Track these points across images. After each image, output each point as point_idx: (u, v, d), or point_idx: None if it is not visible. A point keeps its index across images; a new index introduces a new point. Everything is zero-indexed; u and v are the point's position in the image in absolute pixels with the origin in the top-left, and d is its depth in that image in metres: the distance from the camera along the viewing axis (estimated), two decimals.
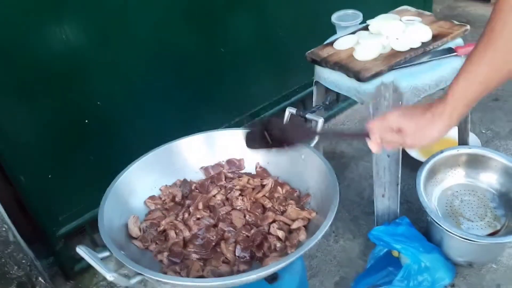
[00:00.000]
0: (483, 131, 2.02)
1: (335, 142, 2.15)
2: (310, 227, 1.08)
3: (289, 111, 1.25)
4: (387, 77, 1.32)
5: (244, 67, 1.81)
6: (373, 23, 1.49)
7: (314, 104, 1.57)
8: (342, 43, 1.45)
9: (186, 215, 1.16)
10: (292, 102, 2.09)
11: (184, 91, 1.68)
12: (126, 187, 1.15)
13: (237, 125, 1.90)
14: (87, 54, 1.41)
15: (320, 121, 1.18)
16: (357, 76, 1.32)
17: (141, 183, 1.19)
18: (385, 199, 1.53)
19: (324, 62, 1.41)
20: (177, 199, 1.20)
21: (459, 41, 1.43)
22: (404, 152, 1.90)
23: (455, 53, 1.35)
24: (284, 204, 1.14)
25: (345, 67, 1.36)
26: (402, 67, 1.34)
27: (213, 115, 1.80)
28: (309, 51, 1.47)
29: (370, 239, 1.47)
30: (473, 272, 1.48)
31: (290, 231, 1.09)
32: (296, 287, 1.16)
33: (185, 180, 1.24)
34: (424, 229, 1.58)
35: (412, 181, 1.82)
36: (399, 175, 1.46)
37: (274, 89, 2.02)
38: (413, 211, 1.73)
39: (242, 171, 1.28)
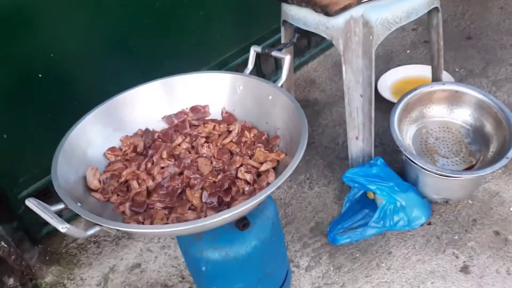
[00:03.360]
0: (457, 70, 1.98)
1: (307, 89, 2.09)
2: (279, 169, 1.03)
3: (254, 49, 1.18)
4: (356, 11, 1.25)
5: (207, 11, 1.70)
6: None
7: (283, 40, 1.50)
8: None
9: (149, 164, 1.09)
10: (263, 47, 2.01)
11: (143, 40, 1.58)
12: (82, 138, 1.07)
13: None
14: (34, 3, 1.29)
15: (287, 58, 1.11)
16: (325, 10, 1.24)
17: (99, 134, 1.11)
18: (359, 141, 1.48)
19: None
20: (139, 150, 1.13)
21: None
22: (377, 94, 1.86)
23: None
24: (252, 148, 1.09)
25: (312, 1, 1.28)
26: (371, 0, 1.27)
27: (177, 66, 1.71)
28: None
29: (344, 182, 1.44)
30: (449, 209, 1.46)
31: (258, 174, 1.03)
32: (269, 232, 1.13)
33: (147, 130, 1.17)
34: (400, 169, 1.55)
35: (386, 123, 1.78)
36: (373, 115, 1.42)
37: (241, 35, 1.93)
38: (388, 153, 1.70)
39: (208, 118, 1.21)
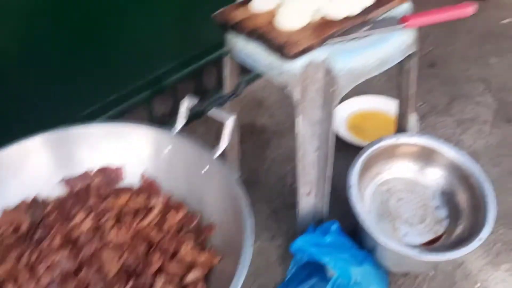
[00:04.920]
0: (419, 104, 1.79)
1: (254, 112, 1.83)
2: (212, 280, 0.78)
3: (187, 102, 0.91)
4: (318, 54, 1.01)
5: (137, 15, 1.39)
6: None
7: (226, 84, 1.23)
8: (261, 3, 1.10)
9: (35, 256, 0.81)
10: (205, 63, 1.73)
11: (53, 51, 1.24)
12: None
13: (131, 94, 1.52)
14: None
15: (230, 121, 0.85)
16: (281, 51, 0.99)
17: None
18: (310, 198, 1.26)
19: (238, 28, 1.06)
20: (22, 230, 0.84)
21: (406, 7, 1.13)
22: None
23: (403, 25, 1.05)
24: (177, 239, 0.82)
25: (265, 37, 1.02)
26: (336, 41, 1.02)
27: (95, 85, 1.39)
28: (217, 12, 1.11)
29: (292, 252, 1.21)
30: (408, 280, 1.27)
31: (183, 285, 0.78)
32: None
33: (35, 200, 0.88)
34: (354, 226, 1.34)
35: (340, 163, 1.56)
36: (329, 173, 1.19)
37: (181, 47, 1.63)
38: (340, 201, 1.48)
39: (122, 184, 0.93)
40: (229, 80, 1.27)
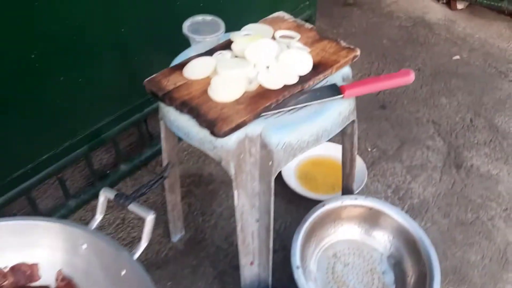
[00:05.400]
0: (369, 149, 1.77)
1: (202, 160, 1.76)
2: None
3: (104, 195, 0.83)
4: (252, 129, 0.95)
5: (72, 70, 1.31)
6: (237, 39, 1.08)
7: (163, 146, 1.16)
8: (195, 69, 1.04)
9: None
10: (149, 111, 1.65)
11: None
12: None
13: (67, 151, 1.42)
14: None
15: (149, 219, 0.78)
16: (212, 128, 0.92)
17: None
18: (254, 267, 1.20)
19: (169, 99, 0.99)
20: None
21: (345, 72, 1.09)
22: (280, 179, 1.59)
23: (340, 95, 1.00)
24: None
25: (197, 111, 0.95)
26: (273, 113, 0.97)
27: (25, 146, 1.30)
28: (148, 79, 1.04)
29: None
30: None
31: None
32: None
33: None
34: None
35: (289, 217, 1.53)
36: (271, 244, 1.13)
37: (121, 99, 1.55)
38: (289, 261, 1.43)
39: (36, 284, 0.84)
40: (165, 144, 1.20)
